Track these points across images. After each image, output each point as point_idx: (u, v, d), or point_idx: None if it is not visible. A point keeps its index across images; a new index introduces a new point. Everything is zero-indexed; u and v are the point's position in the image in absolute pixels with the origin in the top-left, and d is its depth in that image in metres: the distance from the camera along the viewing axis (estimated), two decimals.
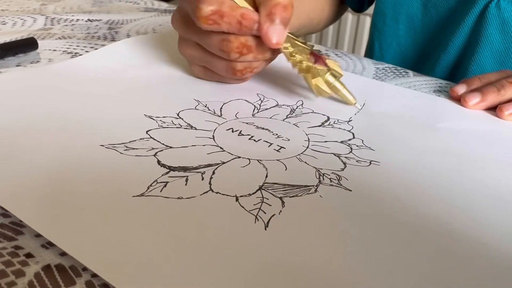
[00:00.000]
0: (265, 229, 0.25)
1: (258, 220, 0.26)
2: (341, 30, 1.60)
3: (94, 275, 0.22)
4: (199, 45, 0.41)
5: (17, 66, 0.45)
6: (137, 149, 0.32)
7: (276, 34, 0.37)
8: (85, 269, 0.23)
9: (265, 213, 0.27)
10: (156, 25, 0.63)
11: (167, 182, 0.28)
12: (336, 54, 0.52)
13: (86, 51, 0.50)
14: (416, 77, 0.47)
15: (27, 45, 0.49)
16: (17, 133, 0.32)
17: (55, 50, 0.50)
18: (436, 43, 0.59)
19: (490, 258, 0.25)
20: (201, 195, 0.27)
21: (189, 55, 0.42)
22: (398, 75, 0.48)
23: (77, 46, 0.52)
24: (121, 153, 0.31)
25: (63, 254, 0.23)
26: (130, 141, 0.32)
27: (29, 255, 0.23)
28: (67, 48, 0.51)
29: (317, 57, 0.40)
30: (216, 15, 0.36)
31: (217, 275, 0.22)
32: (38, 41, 0.49)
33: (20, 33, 0.54)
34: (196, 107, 0.39)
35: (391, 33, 0.62)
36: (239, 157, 0.32)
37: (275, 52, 0.40)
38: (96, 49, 0.51)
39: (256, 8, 0.38)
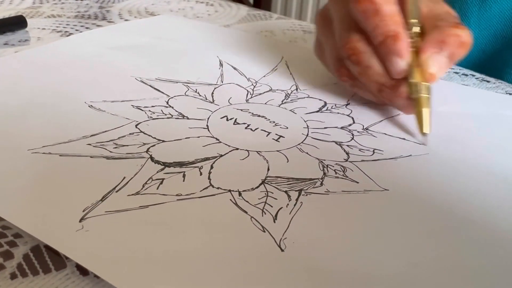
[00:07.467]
0: (274, 222, 0.25)
1: (265, 213, 0.25)
2: None
3: None
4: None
5: (4, 44, 0.44)
6: (127, 145, 0.30)
7: (437, 66, 0.33)
8: None
9: (271, 206, 0.26)
10: (149, 4, 0.60)
11: (163, 179, 0.27)
12: None
13: (76, 30, 0.49)
14: None
15: (15, 23, 0.47)
16: None
17: (44, 29, 0.48)
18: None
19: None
20: (201, 191, 0.26)
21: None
22: None
23: (67, 25, 0.50)
24: (110, 151, 0.29)
25: None
26: (119, 137, 0.31)
27: (17, 235, 0.23)
28: (57, 27, 0.49)
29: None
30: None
31: (227, 272, 0.21)
32: (27, 20, 0.48)
33: (8, 11, 0.52)
34: (186, 93, 0.37)
35: None
36: (237, 148, 0.31)
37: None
38: (87, 28, 0.50)
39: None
